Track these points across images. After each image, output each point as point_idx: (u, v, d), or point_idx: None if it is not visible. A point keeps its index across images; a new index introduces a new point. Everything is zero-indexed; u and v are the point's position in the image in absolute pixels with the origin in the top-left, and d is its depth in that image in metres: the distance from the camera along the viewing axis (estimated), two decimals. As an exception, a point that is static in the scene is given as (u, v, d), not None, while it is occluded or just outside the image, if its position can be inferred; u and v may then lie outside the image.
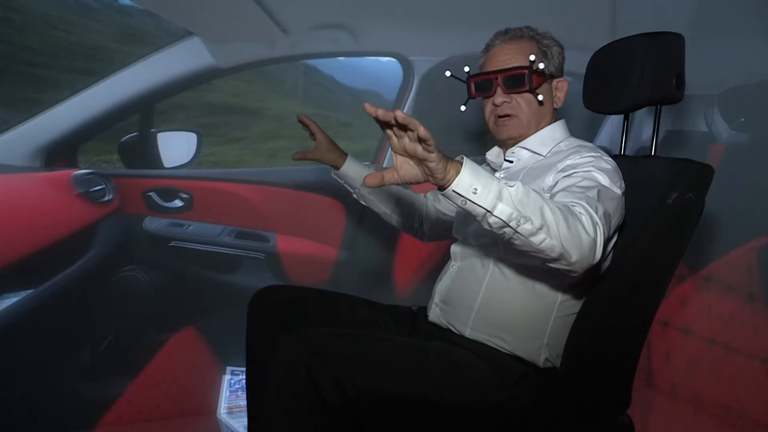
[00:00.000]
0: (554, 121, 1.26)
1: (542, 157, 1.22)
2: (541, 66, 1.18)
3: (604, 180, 1.06)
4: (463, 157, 0.89)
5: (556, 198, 1.01)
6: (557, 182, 1.09)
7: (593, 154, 1.13)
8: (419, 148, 0.84)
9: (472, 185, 0.87)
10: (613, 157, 1.30)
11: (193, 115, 1.85)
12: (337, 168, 1.45)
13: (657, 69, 1.17)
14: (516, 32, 1.24)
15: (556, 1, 2.04)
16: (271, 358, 1.00)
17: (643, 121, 2.09)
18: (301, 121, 1.42)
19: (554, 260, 0.92)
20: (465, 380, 1.07)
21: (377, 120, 0.84)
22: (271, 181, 1.94)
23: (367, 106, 0.83)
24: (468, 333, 1.17)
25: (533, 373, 1.12)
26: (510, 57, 1.20)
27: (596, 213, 0.95)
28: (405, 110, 2.02)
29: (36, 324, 1.70)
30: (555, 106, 1.26)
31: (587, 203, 0.96)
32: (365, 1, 1.93)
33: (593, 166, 1.09)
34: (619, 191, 1.08)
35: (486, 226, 0.90)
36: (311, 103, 1.97)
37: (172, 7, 1.78)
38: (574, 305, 1.14)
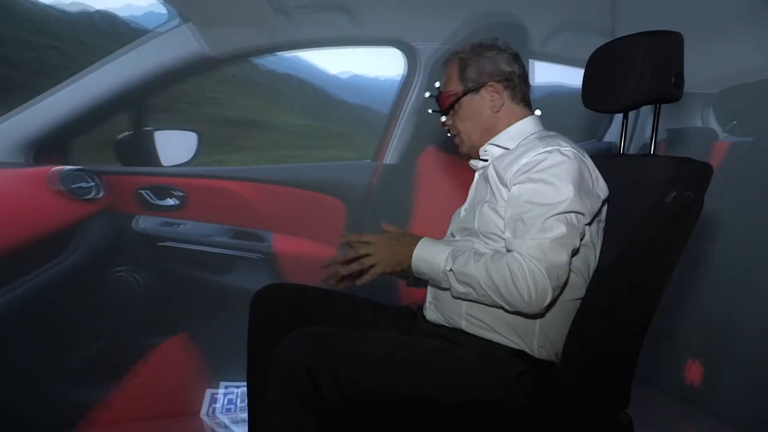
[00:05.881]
0: (523, 118, 1.25)
1: (509, 150, 1.22)
2: (428, 94, 1.31)
3: (553, 194, 1.05)
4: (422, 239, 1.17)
5: (506, 237, 1.10)
6: (508, 200, 1.12)
7: (548, 148, 1.10)
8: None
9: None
10: (612, 156, 1.29)
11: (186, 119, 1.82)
12: None
13: (656, 68, 1.17)
14: (447, 57, 1.30)
15: (555, 0, 2.04)
16: (272, 357, 1.00)
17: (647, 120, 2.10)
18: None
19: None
20: (464, 379, 1.07)
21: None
22: (269, 179, 1.90)
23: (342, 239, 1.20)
24: (464, 325, 1.17)
25: (532, 371, 1.12)
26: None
27: (542, 260, 1.02)
28: (412, 100, 1.98)
29: (15, 327, 1.63)
30: (494, 110, 1.24)
31: (529, 252, 1.03)
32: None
33: (542, 178, 1.07)
34: (569, 194, 1.05)
35: None
36: (306, 114, 1.96)
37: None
38: (566, 291, 1.11)
